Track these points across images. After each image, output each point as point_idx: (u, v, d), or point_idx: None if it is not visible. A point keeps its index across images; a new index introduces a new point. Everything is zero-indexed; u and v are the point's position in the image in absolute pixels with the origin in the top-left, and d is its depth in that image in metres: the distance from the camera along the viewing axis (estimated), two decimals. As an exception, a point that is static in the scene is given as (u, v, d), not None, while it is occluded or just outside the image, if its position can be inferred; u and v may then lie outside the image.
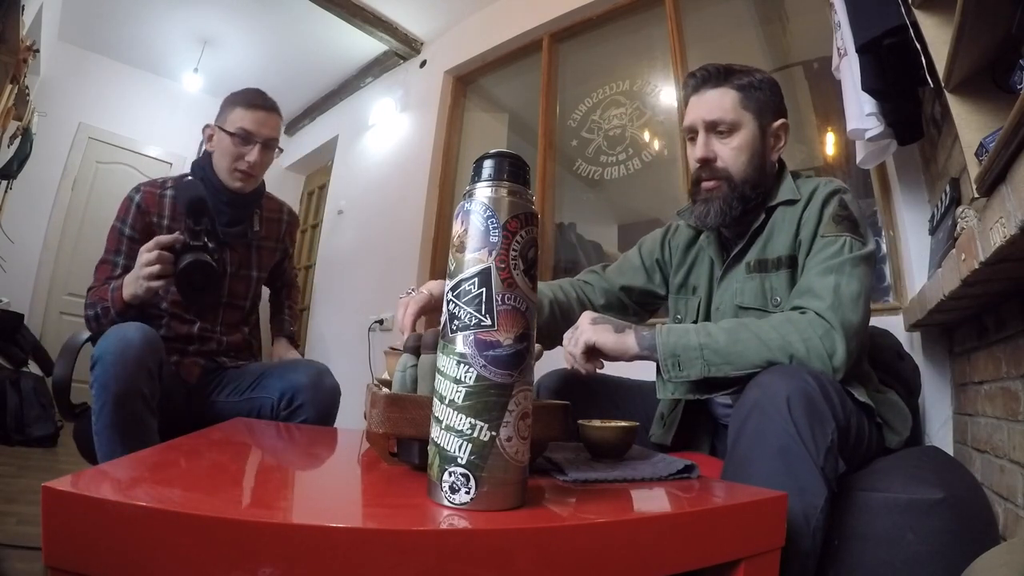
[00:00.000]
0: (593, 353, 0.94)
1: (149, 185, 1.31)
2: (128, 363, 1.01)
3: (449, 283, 0.49)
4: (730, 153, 0.98)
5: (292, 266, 1.64)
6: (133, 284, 1.14)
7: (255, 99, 1.30)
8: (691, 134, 1.02)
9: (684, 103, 1.06)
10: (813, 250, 0.93)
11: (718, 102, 0.98)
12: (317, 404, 1.23)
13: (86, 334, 1.32)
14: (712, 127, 0.99)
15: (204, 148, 1.33)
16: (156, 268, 1.11)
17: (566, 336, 0.99)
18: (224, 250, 1.32)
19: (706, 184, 1.00)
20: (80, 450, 1.30)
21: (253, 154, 1.27)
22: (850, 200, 0.95)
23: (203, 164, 1.32)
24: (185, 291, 1.16)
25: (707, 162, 0.99)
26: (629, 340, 0.91)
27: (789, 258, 0.97)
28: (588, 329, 0.93)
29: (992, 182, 0.72)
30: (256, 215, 1.39)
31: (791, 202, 0.99)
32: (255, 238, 1.39)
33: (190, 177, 1.32)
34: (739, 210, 0.98)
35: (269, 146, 1.31)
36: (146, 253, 1.12)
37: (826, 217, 0.93)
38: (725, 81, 0.99)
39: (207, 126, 1.32)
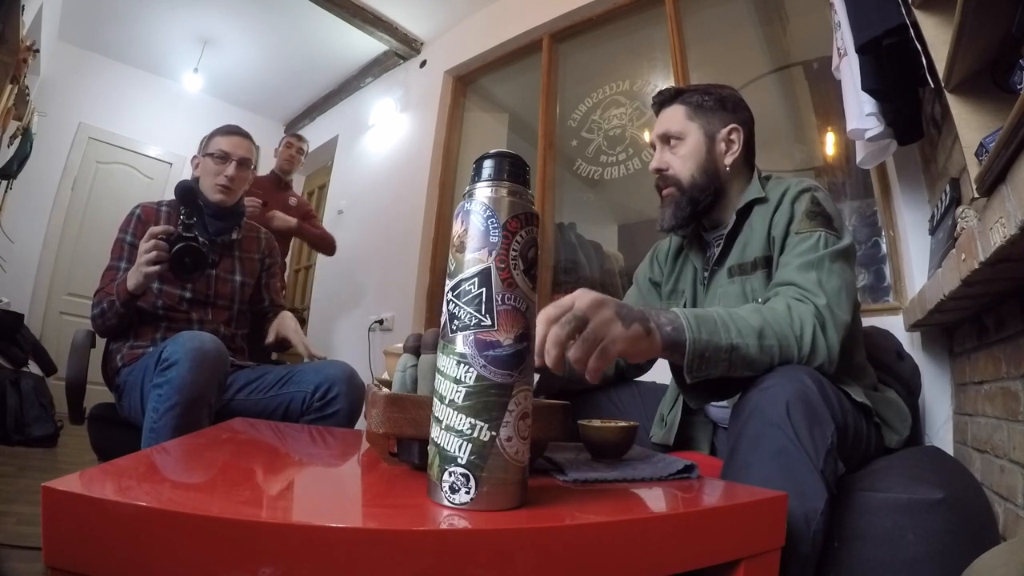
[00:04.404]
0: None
1: (147, 203, 1.51)
2: (205, 370, 1.10)
3: (449, 283, 0.49)
4: (678, 161, 1.06)
5: (279, 289, 1.71)
6: (135, 274, 1.27)
7: (231, 127, 1.56)
8: (654, 150, 1.12)
9: None
10: (787, 247, 0.93)
11: (669, 117, 1.09)
12: (350, 396, 1.33)
13: (86, 331, 1.40)
14: (665, 140, 1.08)
15: (192, 176, 1.55)
16: (153, 255, 1.24)
17: (580, 341, 0.73)
18: (212, 251, 1.46)
19: (664, 192, 1.09)
20: (96, 448, 1.31)
21: (230, 169, 1.48)
22: (823, 197, 0.96)
23: None
24: (178, 271, 1.30)
25: (659, 171, 1.08)
26: (655, 341, 0.74)
27: (764, 259, 0.98)
28: (620, 334, 0.70)
29: (992, 182, 0.72)
30: (236, 229, 1.56)
31: (760, 201, 1.01)
32: (237, 248, 1.56)
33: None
34: (688, 211, 1.05)
35: (244, 164, 1.52)
36: (144, 243, 1.25)
37: (798, 214, 0.94)
38: (675, 99, 1.09)
39: (194, 157, 1.56)
